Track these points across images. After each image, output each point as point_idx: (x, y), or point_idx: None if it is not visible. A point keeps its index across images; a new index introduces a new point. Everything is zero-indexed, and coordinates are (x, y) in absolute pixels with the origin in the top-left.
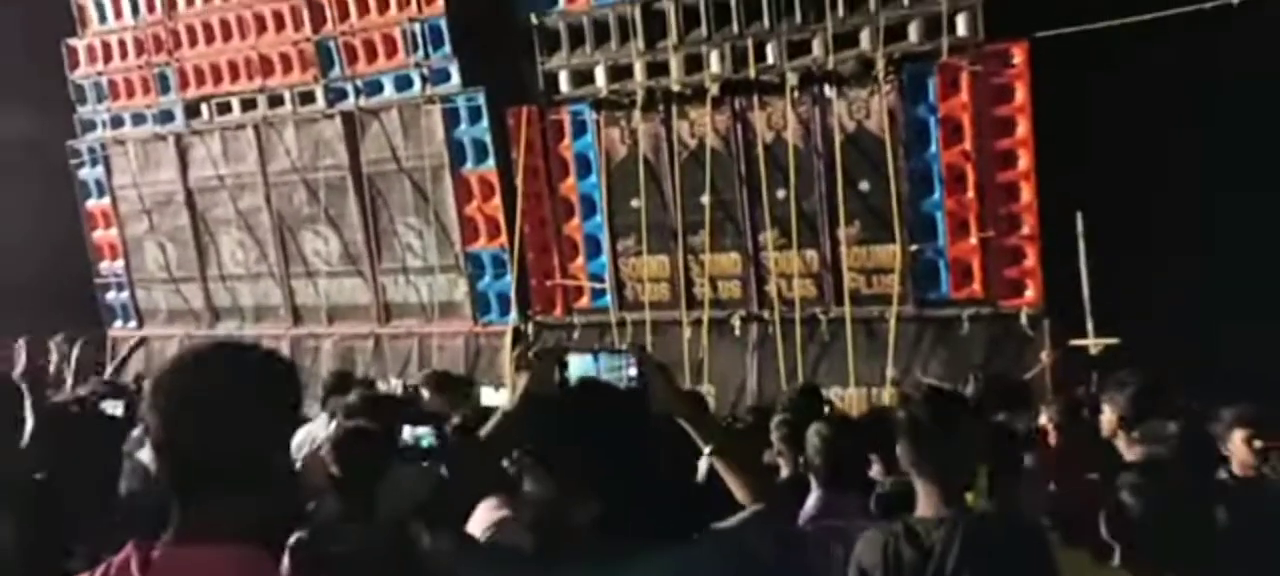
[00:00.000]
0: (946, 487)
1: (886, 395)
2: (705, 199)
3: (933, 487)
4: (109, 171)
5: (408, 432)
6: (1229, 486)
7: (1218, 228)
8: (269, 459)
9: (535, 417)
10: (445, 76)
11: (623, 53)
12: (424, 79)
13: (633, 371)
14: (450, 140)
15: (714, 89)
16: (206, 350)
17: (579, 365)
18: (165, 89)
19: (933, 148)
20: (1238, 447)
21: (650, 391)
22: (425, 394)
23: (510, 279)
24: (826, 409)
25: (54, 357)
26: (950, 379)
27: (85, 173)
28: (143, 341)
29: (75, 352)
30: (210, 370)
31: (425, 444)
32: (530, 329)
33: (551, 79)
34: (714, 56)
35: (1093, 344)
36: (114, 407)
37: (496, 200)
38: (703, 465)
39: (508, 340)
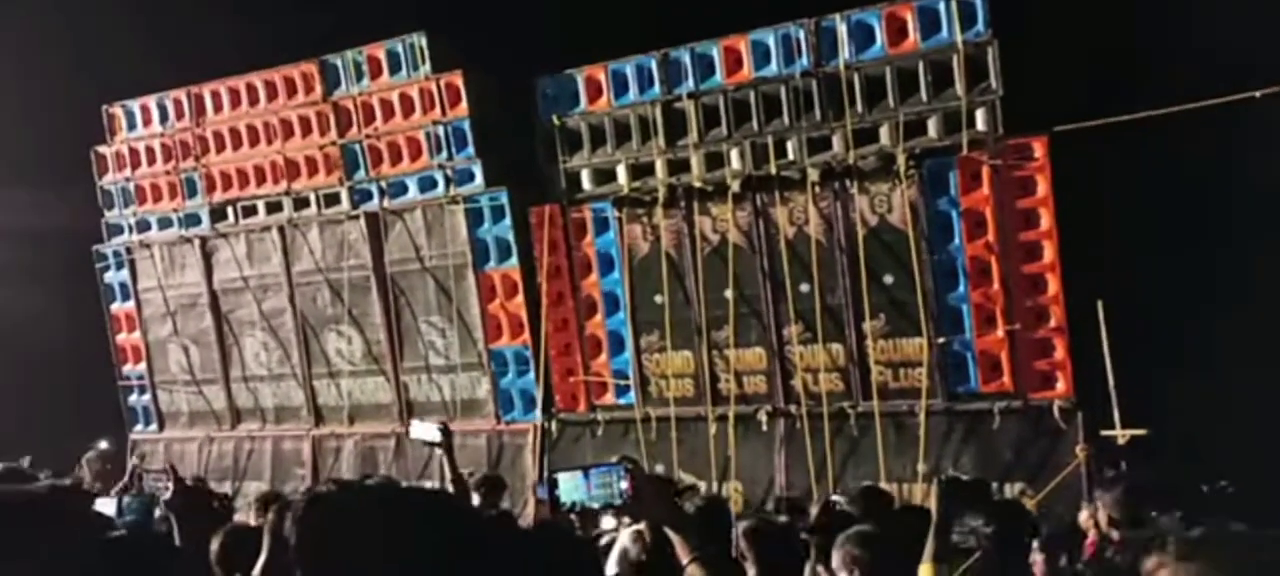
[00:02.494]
0: None
1: (918, 491)
2: (728, 294)
3: None
4: (134, 275)
5: None
6: None
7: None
8: None
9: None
10: (469, 177)
11: (644, 151)
12: (448, 180)
13: (624, 485)
14: (473, 239)
15: (735, 185)
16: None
17: (569, 485)
18: (192, 193)
19: (956, 241)
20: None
21: (641, 503)
22: (475, 498)
23: (533, 376)
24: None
25: (86, 475)
26: (983, 472)
27: (110, 276)
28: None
29: (104, 464)
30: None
31: None
32: (553, 425)
33: (573, 178)
34: (734, 153)
35: (1120, 435)
36: None
37: (519, 298)
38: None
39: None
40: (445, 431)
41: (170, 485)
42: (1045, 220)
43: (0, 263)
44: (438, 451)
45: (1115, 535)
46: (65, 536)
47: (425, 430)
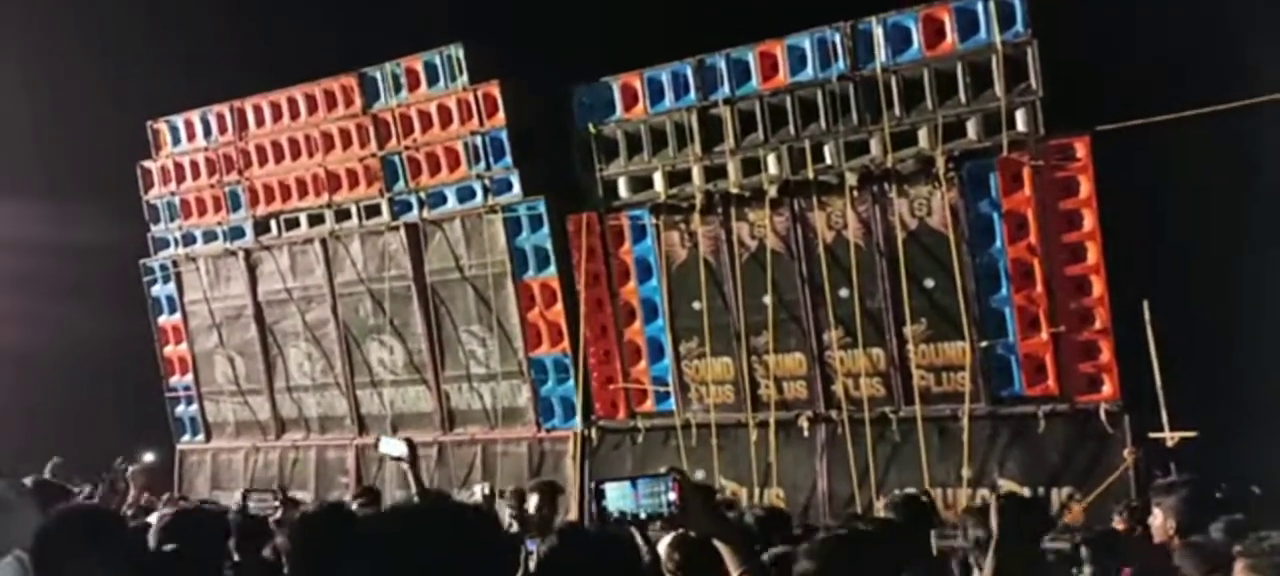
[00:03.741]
0: None
1: (962, 496)
2: (767, 299)
3: None
4: (180, 288)
5: None
6: None
7: None
8: None
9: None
10: (506, 186)
11: (680, 157)
12: (486, 189)
13: (672, 496)
14: (512, 248)
15: (772, 191)
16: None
17: (616, 493)
18: (236, 206)
19: (998, 243)
20: None
21: (689, 514)
22: (531, 503)
23: (573, 384)
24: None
25: (133, 490)
26: (1029, 477)
27: (157, 290)
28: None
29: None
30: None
31: None
32: (593, 433)
33: (610, 185)
34: (772, 159)
35: (1169, 437)
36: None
37: (558, 306)
38: None
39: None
40: (411, 447)
41: (279, 505)
42: (1089, 221)
43: (50, 278)
44: (404, 465)
45: (1177, 541)
46: None
47: (393, 446)
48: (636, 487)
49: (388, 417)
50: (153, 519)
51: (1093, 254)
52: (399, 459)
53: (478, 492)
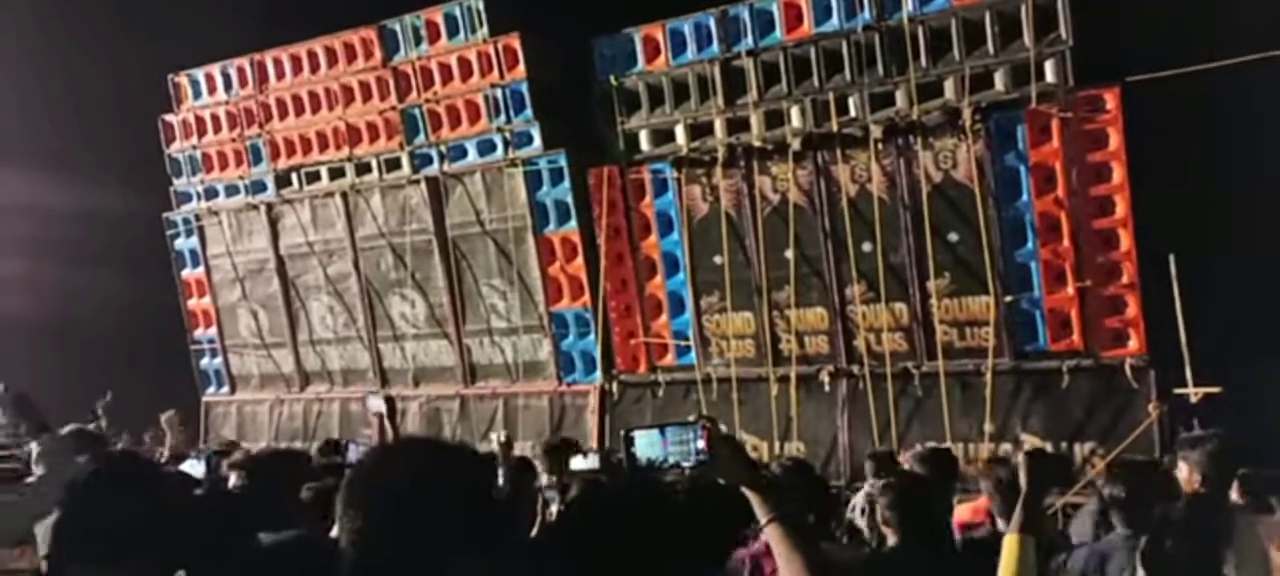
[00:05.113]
0: None
1: (984, 451)
2: (789, 254)
3: None
4: (203, 242)
5: None
6: None
7: None
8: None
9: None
10: (527, 140)
11: (702, 110)
12: (506, 143)
13: (701, 444)
14: (533, 202)
15: (796, 144)
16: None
17: (645, 441)
18: (257, 160)
19: (1024, 196)
20: None
21: (718, 462)
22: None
23: (594, 338)
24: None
25: (169, 435)
26: (1052, 432)
27: (180, 243)
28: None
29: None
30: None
31: None
32: (613, 387)
33: (632, 138)
34: (795, 111)
35: (1193, 392)
36: None
37: (579, 260)
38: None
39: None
40: (389, 403)
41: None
42: (1117, 174)
43: (77, 244)
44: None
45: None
46: None
47: (376, 402)
48: (665, 435)
49: (410, 371)
50: (187, 465)
51: (1121, 207)
52: (380, 415)
53: (494, 440)
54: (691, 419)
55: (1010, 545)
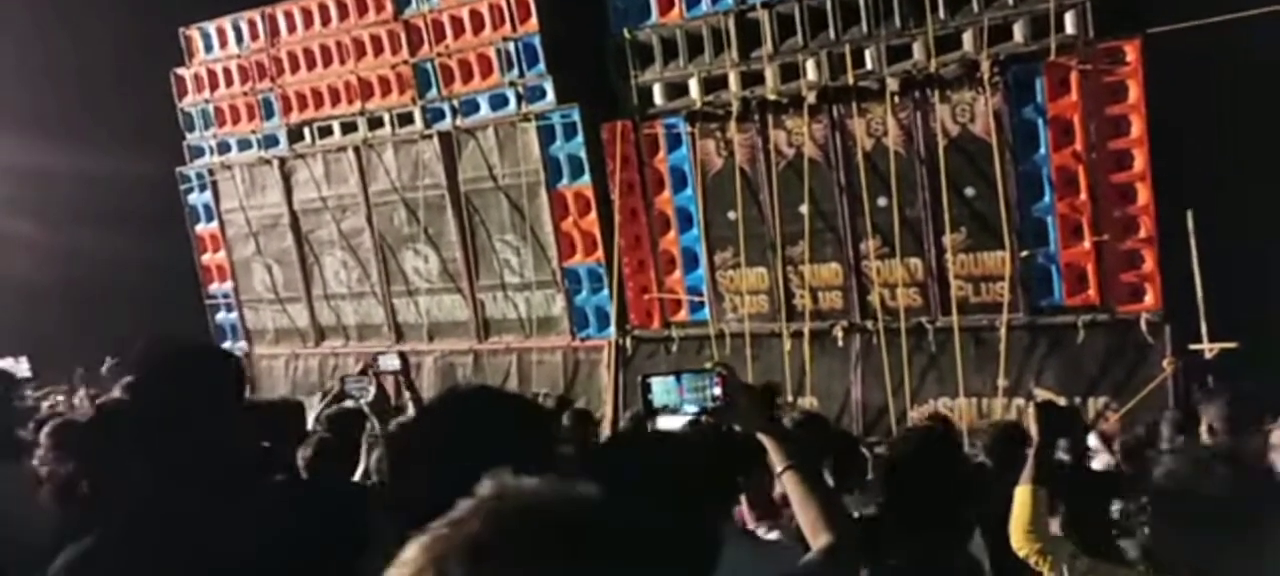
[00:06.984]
0: None
1: (997, 406)
2: (804, 209)
3: None
4: (216, 196)
5: None
6: None
7: None
8: None
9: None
10: (540, 94)
11: (717, 64)
12: (519, 97)
13: (717, 391)
14: (546, 157)
15: (811, 97)
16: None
17: (661, 388)
18: (269, 114)
19: (1042, 150)
20: None
21: (734, 409)
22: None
23: (608, 293)
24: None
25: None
26: (1066, 387)
27: (194, 198)
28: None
29: None
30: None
31: None
32: (627, 342)
33: (645, 92)
34: (810, 64)
35: (1208, 348)
36: None
37: (592, 215)
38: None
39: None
40: (403, 360)
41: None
42: (1136, 127)
43: (90, 203)
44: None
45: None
46: None
47: (388, 361)
48: (681, 382)
49: (424, 326)
50: None
51: (1139, 161)
52: (394, 372)
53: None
54: (707, 365)
55: (1022, 496)
